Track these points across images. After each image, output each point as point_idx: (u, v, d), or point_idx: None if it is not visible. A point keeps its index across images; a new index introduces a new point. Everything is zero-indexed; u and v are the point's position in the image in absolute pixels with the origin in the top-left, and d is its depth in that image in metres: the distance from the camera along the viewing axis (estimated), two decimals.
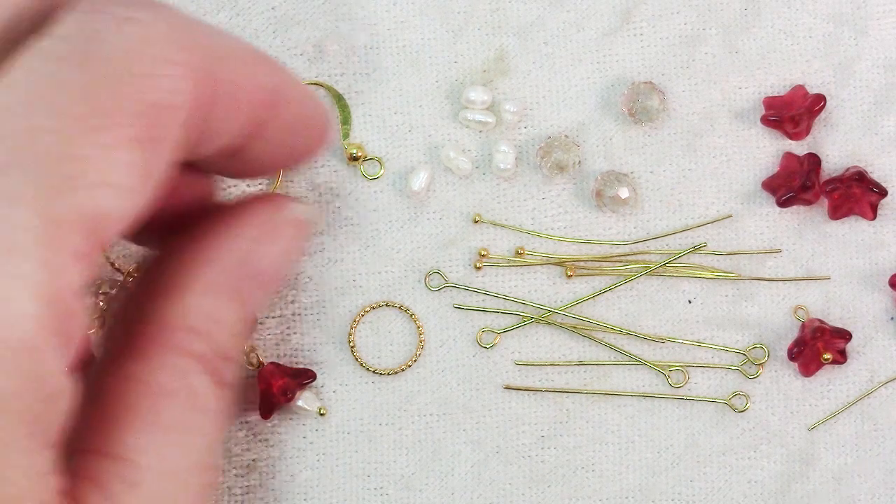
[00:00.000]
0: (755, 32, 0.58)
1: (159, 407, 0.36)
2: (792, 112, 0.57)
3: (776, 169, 0.58)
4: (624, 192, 0.57)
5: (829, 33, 0.58)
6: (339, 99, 0.58)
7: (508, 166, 0.58)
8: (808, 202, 0.57)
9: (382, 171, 0.58)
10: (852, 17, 0.58)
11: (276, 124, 0.39)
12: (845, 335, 0.57)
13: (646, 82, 0.58)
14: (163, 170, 0.34)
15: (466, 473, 0.58)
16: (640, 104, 0.57)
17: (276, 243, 0.40)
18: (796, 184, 0.57)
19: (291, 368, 0.57)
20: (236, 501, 0.58)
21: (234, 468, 0.58)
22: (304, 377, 0.57)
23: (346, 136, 0.58)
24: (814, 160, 0.57)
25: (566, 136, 0.58)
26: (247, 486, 0.58)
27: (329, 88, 0.58)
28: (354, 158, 0.58)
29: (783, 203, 0.57)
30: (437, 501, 0.58)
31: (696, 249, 0.58)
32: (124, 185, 0.32)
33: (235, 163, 0.39)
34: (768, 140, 0.58)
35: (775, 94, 0.58)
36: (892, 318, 0.58)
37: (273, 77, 0.38)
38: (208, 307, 0.38)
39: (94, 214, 0.32)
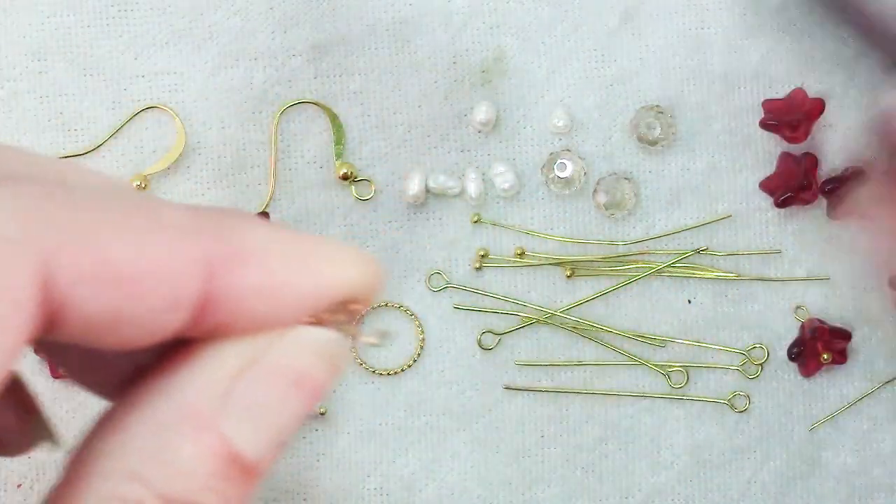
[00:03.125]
0: (754, 31, 0.58)
1: None
2: (791, 117, 0.57)
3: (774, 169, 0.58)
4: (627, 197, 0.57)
5: (828, 33, 0.58)
6: (333, 118, 0.58)
7: (508, 185, 0.58)
8: (807, 202, 0.57)
9: (374, 191, 0.58)
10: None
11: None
12: (845, 335, 0.57)
13: (654, 106, 0.57)
14: None
15: (466, 473, 0.58)
16: (649, 132, 0.57)
17: (264, 381, 0.34)
18: (794, 184, 0.57)
19: None
20: None
21: None
22: None
23: (339, 155, 0.58)
24: (811, 160, 0.57)
25: (569, 150, 0.58)
26: None
27: (323, 107, 0.58)
28: (345, 178, 0.58)
29: (781, 203, 0.57)
30: (437, 501, 0.58)
31: (697, 252, 0.58)
32: None
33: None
34: (768, 140, 0.58)
35: (774, 94, 0.58)
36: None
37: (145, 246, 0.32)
38: (155, 445, 0.33)
39: None
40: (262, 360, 0.34)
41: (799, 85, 0.58)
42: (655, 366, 0.58)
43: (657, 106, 0.58)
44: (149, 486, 0.33)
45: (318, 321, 0.34)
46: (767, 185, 0.58)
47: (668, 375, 0.58)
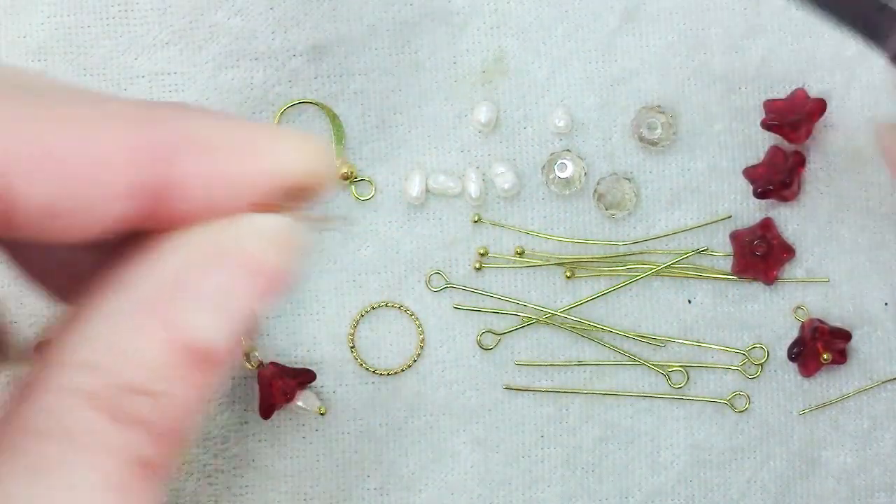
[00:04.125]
0: (755, 32, 0.58)
1: (17, 447, 0.32)
2: (792, 118, 0.57)
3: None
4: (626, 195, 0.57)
5: (829, 33, 0.58)
6: (333, 118, 0.58)
7: (508, 185, 0.58)
8: (785, 199, 0.57)
9: (374, 191, 0.58)
10: None
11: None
12: (845, 335, 0.57)
13: (655, 107, 0.57)
14: None
15: (466, 473, 0.58)
16: (649, 132, 0.57)
17: (217, 269, 0.34)
18: (777, 179, 0.57)
19: (291, 368, 0.57)
20: (235, 500, 0.58)
21: (234, 468, 0.58)
22: (304, 377, 0.57)
23: (339, 155, 0.58)
24: (798, 158, 0.57)
25: (569, 150, 0.58)
26: (246, 486, 0.58)
27: (323, 107, 0.58)
28: (345, 178, 0.58)
29: (760, 195, 0.57)
30: (437, 501, 0.58)
31: (697, 252, 0.58)
32: None
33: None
34: (769, 140, 0.58)
35: (776, 95, 0.58)
36: (885, 304, 0.58)
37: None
38: (111, 336, 0.33)
39: None
40: (215, 247, 0.34)
41: (800, 86, 0.58)
42: (655, 366, 0.58)
43: (658, 106, 0.58)
44: (104, 376, 0.33)
45: (269, 208, 0.35)
46: (752, 174, 0.57)
47: (667, 375, 0.58)
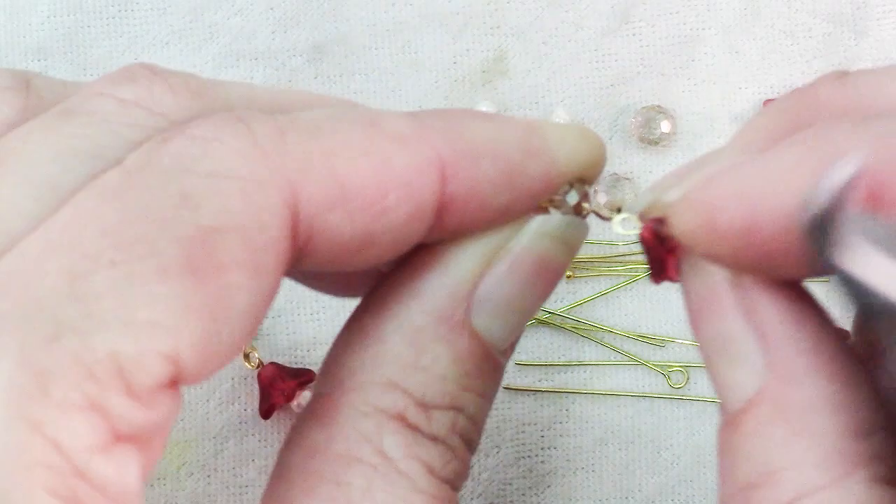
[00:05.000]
0: (755, 32, 0.58)
1: (340, 478, 0.31)
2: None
3: None
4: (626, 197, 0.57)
5: (828, 33, 0.58)
6: None
7: None
8: None
9: None
10: (852, 17, 0.58)
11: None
12: (844, 335, 0.57)
13: (655, 107, 0.57)
14: (240, 295, 0.29)
15: None
16: (650, 131, 0.57)
17: (509, 273, 0.34)
18: None
19: (291, 368, 0.57)
20: (234, 500, 0.58)
21: (233, 467, 0.58)
22: (304, 377, 0.57)
23: None
24: None
25: None
26: (245, 486, 0.58)
27: None
28: None
29: None
30: None
31: None
32: (153, 321, 0.27)
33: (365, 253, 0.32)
34: None
35: (775, 96, 0.58)
36: None
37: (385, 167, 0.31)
38: (410, 352, 0.32)
39: (102, 358, 0.27)
40: (505, 254, 0.34)
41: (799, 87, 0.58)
42: (655, 366, 0.58)
43: (658, 106, 0.58)
44: (408, 394, 0.32)
45: (549, 205, 0.35)
46: None
47: (667, 375, 0.58)
